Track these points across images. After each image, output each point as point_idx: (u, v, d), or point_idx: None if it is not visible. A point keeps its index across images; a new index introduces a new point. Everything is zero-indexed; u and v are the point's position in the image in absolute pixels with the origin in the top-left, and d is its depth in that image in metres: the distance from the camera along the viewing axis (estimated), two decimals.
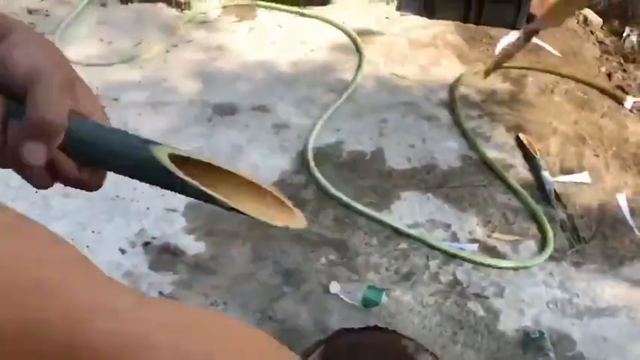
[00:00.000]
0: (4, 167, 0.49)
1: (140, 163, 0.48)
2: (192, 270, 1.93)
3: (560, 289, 1.95)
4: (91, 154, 0.49)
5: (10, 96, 0.47)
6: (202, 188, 0.47)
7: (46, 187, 0.50)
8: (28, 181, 0.49)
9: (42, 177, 0.49)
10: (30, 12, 3.11)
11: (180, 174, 0.47)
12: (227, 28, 3.08)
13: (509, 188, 2.28)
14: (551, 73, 2.92)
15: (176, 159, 0.48)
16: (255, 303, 1.84)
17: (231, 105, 2.60)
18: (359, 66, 2.84)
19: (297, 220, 0.52)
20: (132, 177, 0.50)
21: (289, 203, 0.52)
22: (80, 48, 2.86)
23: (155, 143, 0.48)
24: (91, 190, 0.52)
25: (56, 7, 3.15)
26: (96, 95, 0.52)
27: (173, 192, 0.49)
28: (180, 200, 2.09)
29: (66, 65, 0.50)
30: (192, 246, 2.00)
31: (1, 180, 2.15)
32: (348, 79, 2.77)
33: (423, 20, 3.22)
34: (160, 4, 3.21)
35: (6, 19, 0.51)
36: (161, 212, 2.08)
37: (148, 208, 2.09)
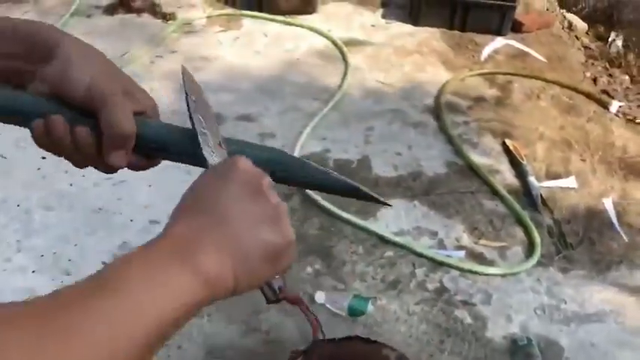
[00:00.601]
0: (81, 167, 0.60)
1: (193, 154, 0.58)
2: None
3: (547, 295, 1.94)
4: (153, 148, 0.60)
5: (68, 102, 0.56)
6: None
7: (116, 172, 0.60)
8: (103, 172, 0.60)
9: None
10: None
11: None
12: (212, 38, 3.07)
13: (496, 194, 2.27)
14: (536, 78, 2.93)
15: None
16: (240, 314, 1.81)
17: (216, 115, 2.58)
18: (345, 74, 2.84)
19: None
20: (186, 163, 0.60)
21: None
22: None
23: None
24: (147, 169, 0.62)
25: (41, 18, 3.13)
26: (145, 91, 0.61)
27: None
28: (163, 212, 2.06)
29: (119, 72, 0.58)
30: None
31: None
32: (333, 87, 2.77)
33: (408, 27, 3.22)
34: (145, 15, 3.21)
35: (52, 32, 0.58)
36: (145, 224, 2.05)
37: (131, 221, 2.07)
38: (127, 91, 0.58)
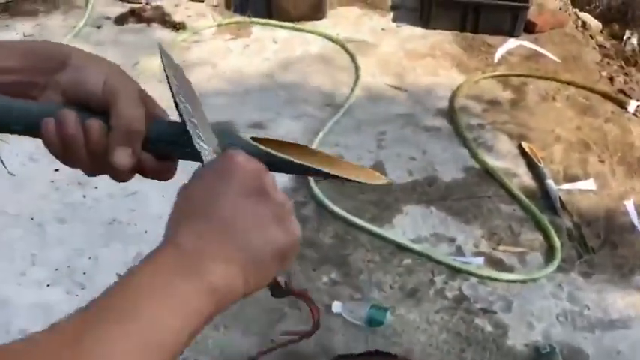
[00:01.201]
0: (93, 173, 0.58)
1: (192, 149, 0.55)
2: None
3: (569, 301, 1.90)
4: (167, 149, 0.58)
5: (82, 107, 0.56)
6: (291, 159, 0.55)
7: (127, 180, 0.59)
8: (114, 179, 0.58)
9: (127, 173, 0.57)
10: (26, 37, 3.09)
11: (261, 147, 0.55)
12: (222, 47, 3.06)
13: (514, 198, 2.23)
14: (551, 79, 2.88)
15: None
16: (257, 325, 1.79)
17: (228, 123, 2.56)
18: (356, 79, 2.81)
19: (378, 178, 0.58)
20: (193, 160, 0.57)
21: (363, 166, 0.58)
22: None
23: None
24: (165, 180, 0.61)
25: (52, 31, 3.14)
26: (155, 100, 0.61)
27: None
28: None
29: (131, 79, 0.58)
30: None
31: None
32: (345, 92, 2.74)
33: (419, 31, 3.19)
34: (155, 25, 3.20)
35: (62, 47, 0.58)
36: (159, 235, 2.02)
37: (145, 232, 2.05)
38: (142, 95, 0.59)
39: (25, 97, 0.58)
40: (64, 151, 0.56)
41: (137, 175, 0.60)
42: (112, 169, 0.56)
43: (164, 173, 0.61)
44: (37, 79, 0.57)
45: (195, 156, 0.55)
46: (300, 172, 0.57)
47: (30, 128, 0.56)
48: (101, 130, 0.55)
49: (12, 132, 0.57)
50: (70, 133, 0.55)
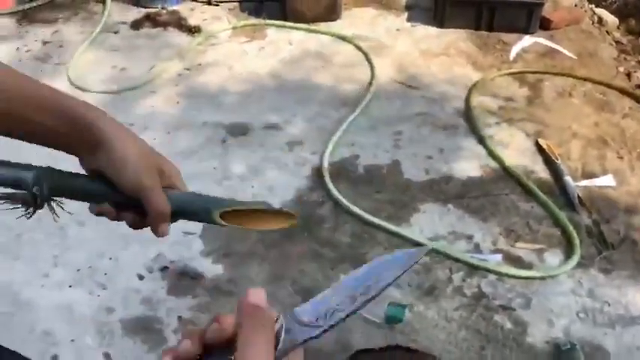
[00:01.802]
0: (136, 228, 0.75)
1: (206, 219, 0.73)
2: (211, 293, 1.90)
3: (589, 298, 1.88)
4: (176, 216, 0.74)
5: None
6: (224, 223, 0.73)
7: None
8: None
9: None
10: (44, 43, 3.15)
11: (222, 222, 0.73)
12: (237, 49, 3.08)
13: (531, 195, 2.22)
14: (567, 75, 2.86)
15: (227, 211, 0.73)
16: None
17: (244, 125, 2.58)
18: (371, 79, 2.82)
19: (290, 222, 0.75)
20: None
21: (290, 211, 0.76)
22: (94, 75, 2.88)
23: (219, 202, 0.74)
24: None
25: (69, 37, 3.19)
26: (171, 162, 0.75)
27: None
28: (197, 223, 2.07)
29: (152, 152, 0.72)
30: (211, 268, 1.97)
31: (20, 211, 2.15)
32: (360, 92, 2.75)
33: (434, 30, 3.19)
34: (171, 29, 3.24)
35: (94, 118, 0.69)
36: (178, 236, 2.06)
37: None
38: (160, 169, 0.72)
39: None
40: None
41: None
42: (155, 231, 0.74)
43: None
44: (71, 150, 0.71)
45: (200, 221, 0.74)
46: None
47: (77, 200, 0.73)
48: (134, 218, 0.73)
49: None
50: (109, 218, 0.74)
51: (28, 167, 0.69)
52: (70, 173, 0.72)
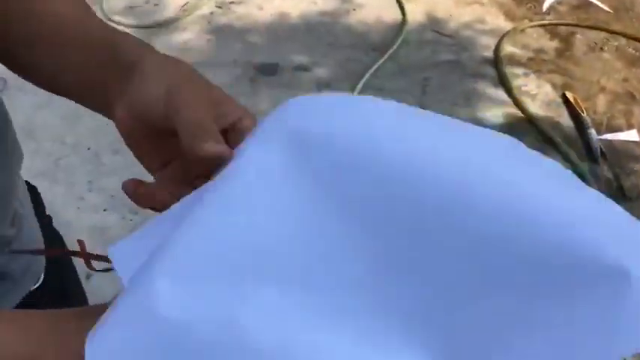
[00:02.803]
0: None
1: None
2: None
3: None
4: None
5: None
6: None
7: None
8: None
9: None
10: None
11: None
12: None
13: (554, 146, 2.24)
14: (600, 29, 2.83)
15: None
16: None
17: (274, 65, 2.62)
18: (402, 24, 2.82)
19: None
20: None
21: None
22: (125, 10, 2.91)
23: None
24: None
25: None
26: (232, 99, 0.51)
27: None
28: None
29: (203, 81, 0.50)
30: None
31: (57, 138, 2.25)
32: (390, 37, 2.76)
33: None
34: None
35: (132, 44, 0.53)
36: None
37: None
38: (214, 102, 0.48)
39: (100, 101, 0.54)
40: None
41: None
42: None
43: None
44: (112, 83, 0.51)
45: None
46: None
47: None
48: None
49: None
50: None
51: None
52: None
